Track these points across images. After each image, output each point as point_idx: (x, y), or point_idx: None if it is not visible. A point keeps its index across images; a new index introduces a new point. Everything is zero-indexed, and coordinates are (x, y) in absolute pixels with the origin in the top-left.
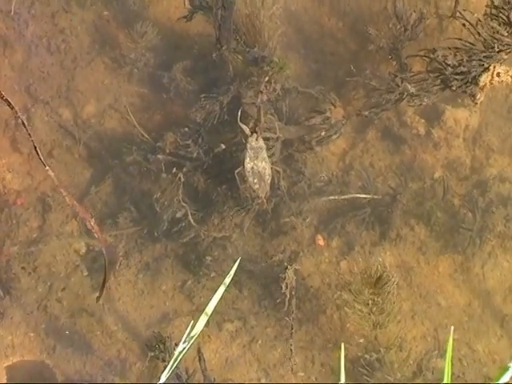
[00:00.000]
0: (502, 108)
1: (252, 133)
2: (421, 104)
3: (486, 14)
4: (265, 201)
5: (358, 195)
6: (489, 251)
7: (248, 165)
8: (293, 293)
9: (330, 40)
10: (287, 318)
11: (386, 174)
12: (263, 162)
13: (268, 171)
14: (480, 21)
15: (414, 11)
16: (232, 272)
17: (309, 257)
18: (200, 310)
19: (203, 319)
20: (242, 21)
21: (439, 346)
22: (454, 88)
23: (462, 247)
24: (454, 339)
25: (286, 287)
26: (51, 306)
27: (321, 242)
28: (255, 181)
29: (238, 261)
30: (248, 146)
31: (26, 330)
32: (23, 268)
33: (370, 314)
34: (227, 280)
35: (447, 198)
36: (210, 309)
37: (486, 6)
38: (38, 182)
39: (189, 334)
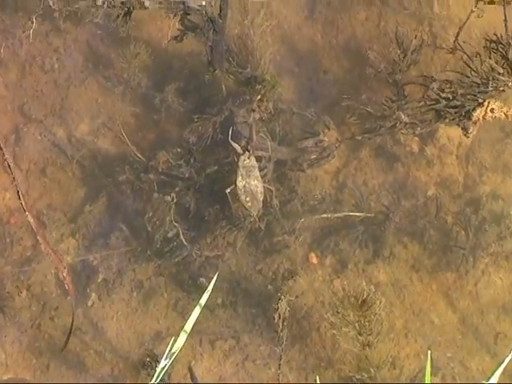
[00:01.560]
0: (495, 126)
1: (244, 151)
2: (414, 133)
3: (485, 47)
4: (257, 219)
5: (352, 213)
6: (482, 269)
7: (240, 183)
8: (285, 323)
9: (324, 59)
10: (277, 349)
11: (380, 192)
12: (255, 181)
13: (260, 189)
14: (478, 54)
15: (415, 37)
16: (210, 287)
17: (302, 275)
18: (192, 328)
19: (183, 336)
20: (233, 41)
21: (432, 364)
22: (447, 120)
23: (455, 265)
24: (447, 357)
25: (279, 318)
26: (44, 324)
27: (314, 260)
28: (247, 199)
29: (216, 276)
30: (240, 164)
31: (20, 349)
32: (17, 287)
33: (358, 335)
34: (204, 299)
35: (440, 215)
36: (188, 326)
37: (486, 39)
38: (34, 201)
39: (170, 350)
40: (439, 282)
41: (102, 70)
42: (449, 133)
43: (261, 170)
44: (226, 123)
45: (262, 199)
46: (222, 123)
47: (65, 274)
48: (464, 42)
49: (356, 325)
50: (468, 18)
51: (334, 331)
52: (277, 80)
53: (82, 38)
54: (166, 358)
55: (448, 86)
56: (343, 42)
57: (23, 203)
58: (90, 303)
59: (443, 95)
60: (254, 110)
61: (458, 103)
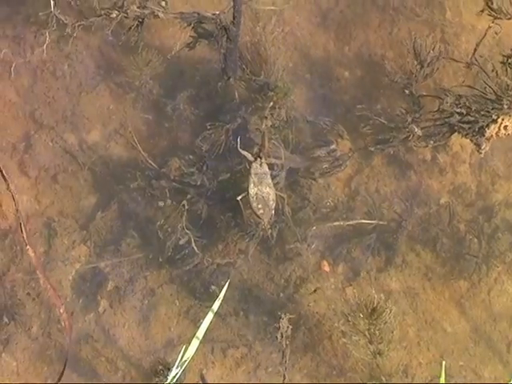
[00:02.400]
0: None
1: (255, 158)
2: (426, 146)
3: (502, 63)
4: (268, 226)
5: (364, 221)
6: (495, 277)
7: (252, 190)
8: (287, 342)
9: (337, 66)
10: (280, 368)
11: (392, 199)
12: (267, 188)
13: (272, 196)
14: (495, 69)
15: (433, 49)
16: (221, 295)
17: (314, 283)
18: (204, 335)
19: (195, 343)
20: (246, 49)
21: (445, 373)
22: (460, 136)
23: (468, 273)
24: (459, 365)
25: (282, 337)
26: (55, 332)
27: (326, 267)
28: (259, 206)
29: (227, 284)
30: (252, 171)
31: (31, 356)
32: (28, 294)
33: (368, 344)
34: (216, 305)
35: (453, 223)
36: (201, 333)
37: (503, 55)
38: (45, 207)
39: (181, 358)
40: (452, 291)
41: (113, 76)
42: (461, 141)
43: (273, 177)
44: (239, 131)
45: (274, 206)
46: (235, 131)
47: (62, 311)
48: (481, 57)
49: (366, 333)
50: (485, 34)
51: (344, 339)
52: (289, 87)
53: (93, 45)
54: (178, 365)
55: (462, 100)
56: (356, 50)
57: (24, 236)
58: (101, 310)
59: (457, 110)
60: (266, 117)
61: (472, 119)
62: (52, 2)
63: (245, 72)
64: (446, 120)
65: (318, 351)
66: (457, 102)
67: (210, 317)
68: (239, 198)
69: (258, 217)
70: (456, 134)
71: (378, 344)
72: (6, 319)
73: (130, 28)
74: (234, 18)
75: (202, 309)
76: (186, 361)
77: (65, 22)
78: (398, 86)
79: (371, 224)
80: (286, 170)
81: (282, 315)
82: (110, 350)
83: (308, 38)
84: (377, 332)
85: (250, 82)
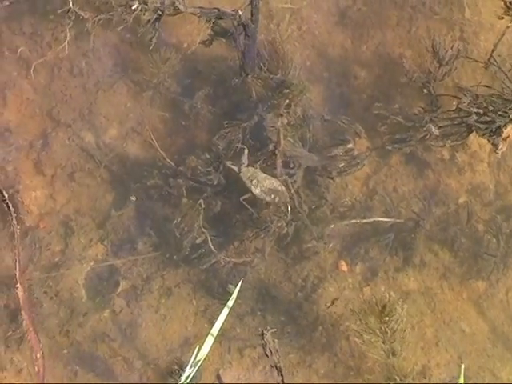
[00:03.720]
0: None
1: (240, 168)
2: (444, 145)
3: None
4: (289, 206)
5: (381, 219)
6: None
7: (257, 191)
8: (278, 356)
9: (354, 64)
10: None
11: (410, 198)
12: (266, 181)
13: (276, 182)
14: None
15: (452, 48)
16: (235, 294)
17: (332, 282)
18: (221, 335)
19: (209, 341)
20: (264, 46)
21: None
22: (477, 136)
23: (486, 273)
24: (478, 366)
25: (271, 352)
26: (73, 330)
27: (344, 267)
28: (272, 196)
29: (241, 282)
30: (245, 179)
31: (48, 355)
32: (45, 292)
33: (382, 343)
34: (230, 303)
35: (471, 223)
36: (215, 330)
37: None
38: (61, 206)
39: (195, 358)
40: (470, 291)
41: (131, 74)
42: (480, 140)
43: (290, 175)
44: (256, 129)
45: (283, 187)
46: (252, 129)
47: (38, 356)
48: (499, 56)
49: (377, 332)
50: (503, 35)
51: (357, 339)
52: (305, 85)
53: (110, 42)
54: (192, 365)
55: (479, 100)
56: (374, 48)
57: (17, 275)
58: (118, 309)
59: (474, 110)
60: (281, 115)
61: (489, 119)
62: (72, 4)
63: (262, 70)
64: (464, 120)
65: (335, 351)
66: (474, 102)
67: (224, 314)
68: (242, 198)
69: (277, 204)
70: (473, 133)
71: (390, 343)
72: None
73: (148, 21)
74: (252, 15)
75: (219, 308)
76: (199, 360)
77: (84, 17)
78: (415, 84)
79: (388, 222)
80: (303, 169)
81: (264, 331)
82: (126, 349)
83: (326, 37)
84: (388, 331)
85: (267, 79)
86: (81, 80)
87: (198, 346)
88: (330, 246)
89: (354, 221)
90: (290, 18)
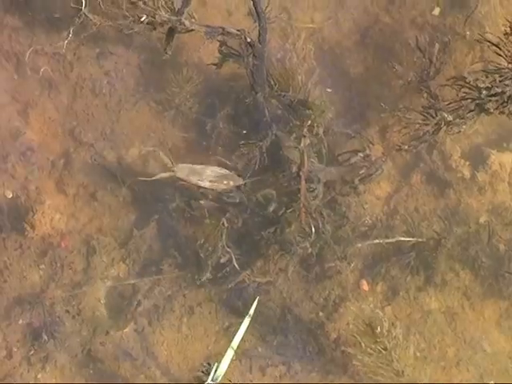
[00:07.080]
0: None
1: (174, 171)
2: (459, 131)
3: (505, 34)
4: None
5: (403, 238)
6: None
7: (206, 184)
8: None
9: (357, 68)
10: None
11: (431, 218)
12: (206, 170)
13: (215, 168)
14: (502, 40)
15: (437, 42)
16: (252, 311)
17: (353, 302)
18: (241, 354)
19: (229, 353)
20: (273, 65)
21: None
22: (491, 110)
23: (507, 292)
24: None
25: None
26: (95, 349)
27: (365, 286)
28: (225, 182)
29: (256, 301)
30: (185, 178)
31: (70, 374)
32: (67, 311)
33: (388, 364)
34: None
35: (492, 242)
36: (235, 343)
37: (503, 25)
38: (83, 225)
39: (215, 373)
40: (491, 310)
41: (153, 93)
42: (500, 159)
43: (311, 191)
44: (273, 148)
45: (226, 170)
46: (269, 148)
47: None
48: (486, 33)
49: (373, 352)
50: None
51: (355, 362)
52: (326, 105)
53: (133, 62)
54: (212, 380)
55: (484, 75)
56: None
57: None
58: (140, 328)
59: (482, 85)
60: (304, 136)
61: (498, 90)
62: (84, 8)
63: (273, 88)
64: (476, 101)
65: (357, 372)
66: (478, 77)
67: (246, 323)
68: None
69: (234, 188)
70: (494, 151)
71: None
72: (45, 337)
73: (166, 36)
74: (259, 35)
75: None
76: (219, 376)
77: (93, 20)
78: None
79: (410, 242)
80: (322, 184)
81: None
82: (148, 367)
83: (347, 55)
84: (383, 351)
85: (279, 98)
86: (103, 99)
87: (216, 364)
88: (352, 265)
89: (377, 240)
90: (306, 38)
